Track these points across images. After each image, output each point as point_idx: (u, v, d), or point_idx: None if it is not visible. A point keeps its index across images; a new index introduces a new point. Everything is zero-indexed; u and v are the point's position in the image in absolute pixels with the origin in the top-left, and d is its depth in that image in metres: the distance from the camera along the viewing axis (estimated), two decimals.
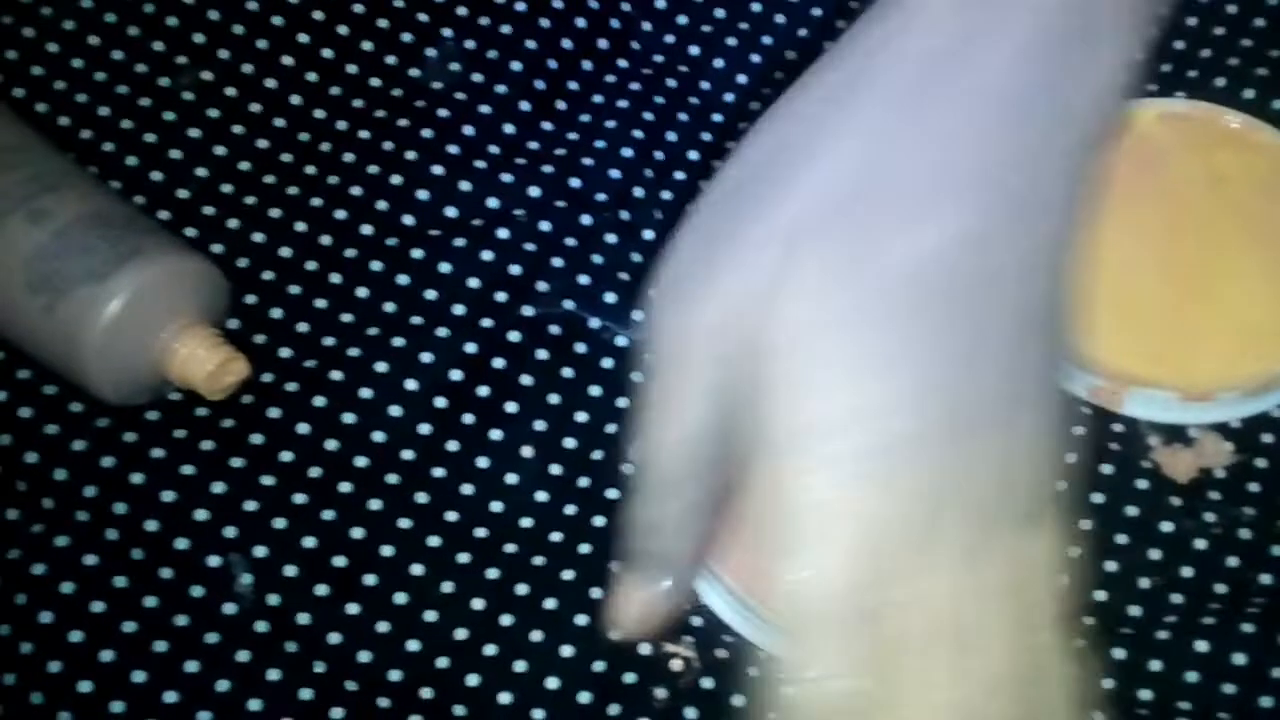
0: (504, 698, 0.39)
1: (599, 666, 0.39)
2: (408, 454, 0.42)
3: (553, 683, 0.39)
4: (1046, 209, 0.31)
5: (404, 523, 0.41)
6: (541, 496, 0.41)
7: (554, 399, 0.43)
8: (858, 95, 0.30)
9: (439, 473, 0.42)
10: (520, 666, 0.39)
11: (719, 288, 0.30)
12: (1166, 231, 0.45)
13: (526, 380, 0.43)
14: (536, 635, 0.39)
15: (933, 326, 0.29)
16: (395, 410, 0.42)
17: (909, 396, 0.29)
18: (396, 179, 0.46)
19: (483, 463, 0.42)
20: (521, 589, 0.40)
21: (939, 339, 0.29)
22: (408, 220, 0.45)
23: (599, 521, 0.41)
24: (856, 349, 0.29)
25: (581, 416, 0.43)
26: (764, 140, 0.31)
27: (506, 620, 0.40)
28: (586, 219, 0.45)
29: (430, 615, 0.40)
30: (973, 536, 0.29)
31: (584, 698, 0.39)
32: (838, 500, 0.29)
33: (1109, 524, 0.41)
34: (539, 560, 0.40)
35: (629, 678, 0.39)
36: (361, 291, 0.44)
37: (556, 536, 0.41)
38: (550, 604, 0.39)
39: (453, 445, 0.42)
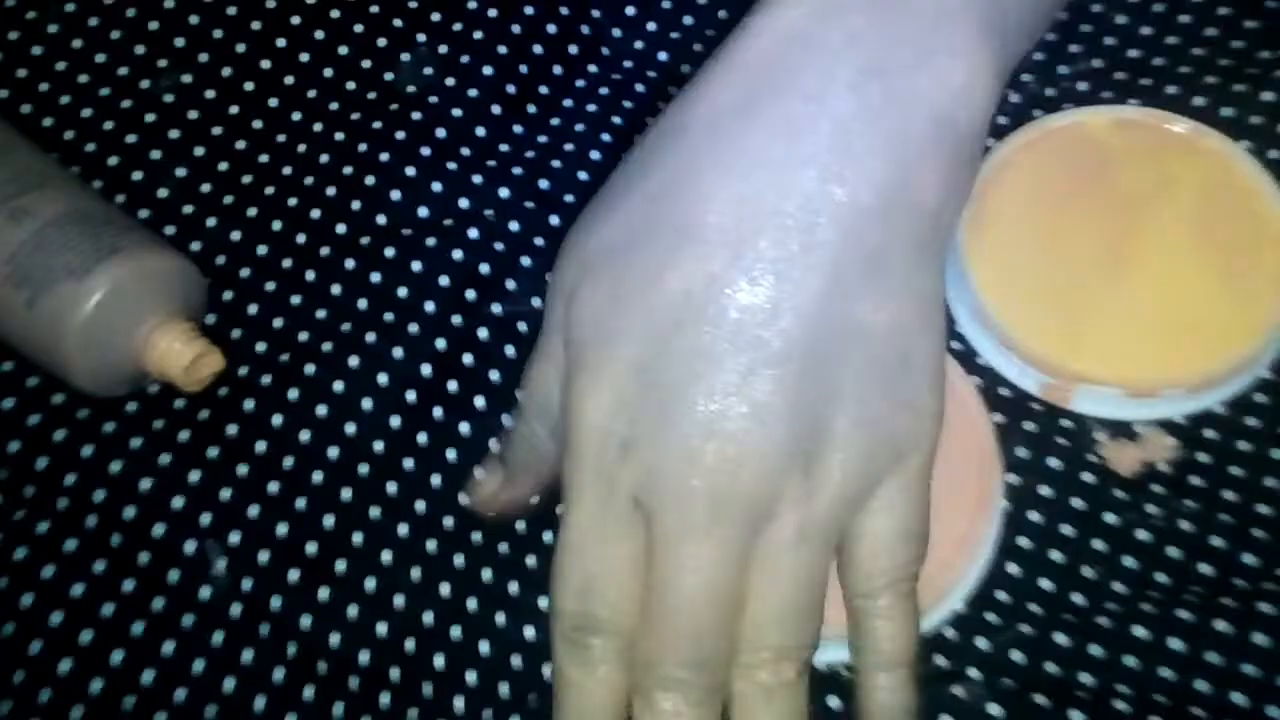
0: (470, 677, 0.40)
1: None
2: (378, 445, 0.44)
3: (516, 661, 0.40)
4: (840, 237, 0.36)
5: (374, 512, 0.43)
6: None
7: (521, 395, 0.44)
8: (659, 150, 0.38)
9: (409, 464, 0.43)
10: (485, 648, 0.41)
11: (555, 290, 0.39)
12: (1116, 233, 0.46)
13: (495, 376, 0.45)
14: (500, 618, 0.41)
15: (672, 349, 0.36)
16: (367, 403, 0.44)
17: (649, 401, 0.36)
18: (370, 180, 0.47)
19: (451, 455, 0.44)
20: (486, 575, 0.41)
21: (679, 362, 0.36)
22: (381, 220, 0.47)
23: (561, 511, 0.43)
24: (610, 361, 0.36)
25: None
26: (614, 177, 0.39)
27: (472, 604, 0.41)
28: (555, 219, 0.47)
29: (399, 600, 0.41)
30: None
31: (547, 672, 0.40)
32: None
33: (1056, 515, 0.43)
34: (504, 548, 0.42)
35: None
36: (335, 289, 0.46)
37: (520, 526, 0.42)
38: (514, 589, 0.41)
39: (422, 438, 0.44)
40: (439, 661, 0.41)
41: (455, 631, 0.41)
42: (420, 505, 0.43)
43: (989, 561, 0.42)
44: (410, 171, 0.47)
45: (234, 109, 0.49)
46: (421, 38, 0.50)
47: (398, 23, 0.50)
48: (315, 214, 0.47)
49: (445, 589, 0.41)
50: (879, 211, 0.36)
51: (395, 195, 0.47)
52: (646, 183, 0.37)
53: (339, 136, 0.48)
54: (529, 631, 0.41)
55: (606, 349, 0.36)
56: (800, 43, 0.36)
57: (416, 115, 0.48)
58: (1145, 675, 0.40)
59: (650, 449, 0.35)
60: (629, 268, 0.36)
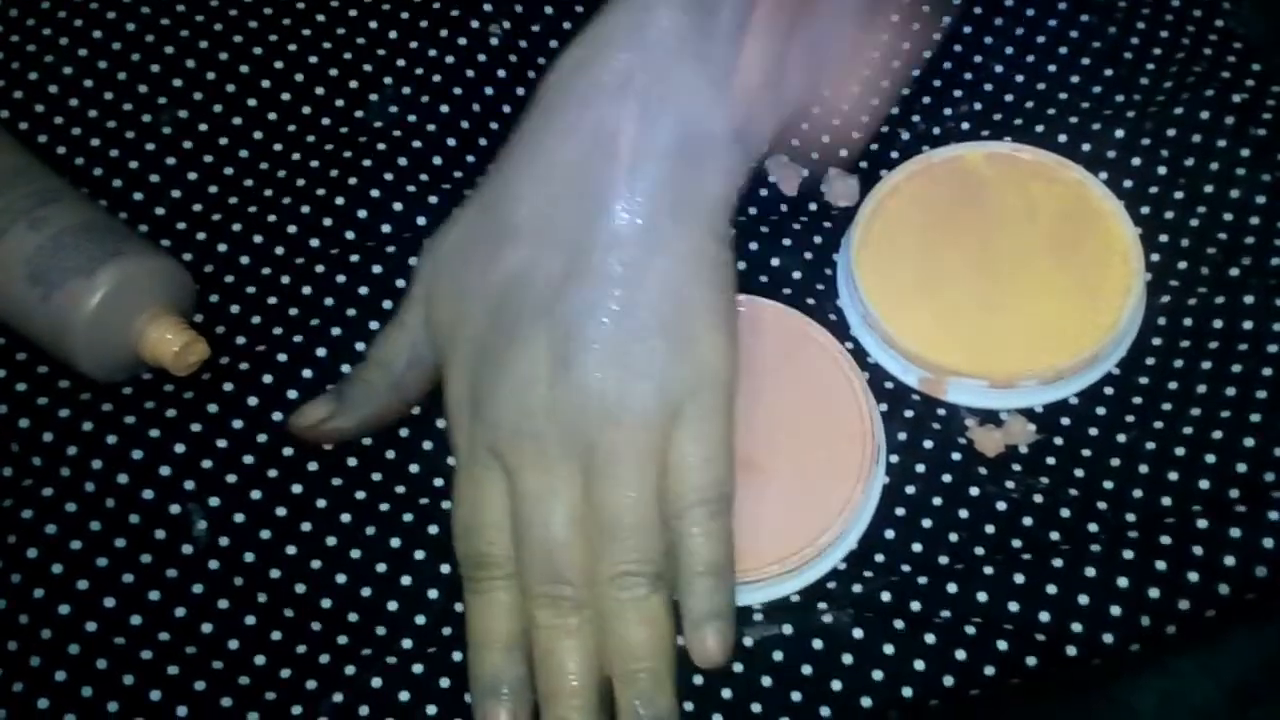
0: (419, 619, 0.46)
1: None
2: None
3: (459, 605, 0.45)
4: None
5: (336, 480, 0.48)
6: (453, 460, 0.49)
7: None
8: (493, 168, 0.47)
9: (366, 440, 0.49)
10: (433, 594, 0.46)
11: (418, 279, 0.47)
12: (986, 250, 0.52)
13: None
14: (444, 567, 0.46)
15: (499, 322, 0.44)
16: (331, 387, 0.50)
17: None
18: (340, 200, 0.53)
19: (403, 432, 0.49)
20: (432, 529, 0.47)
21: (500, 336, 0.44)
22: (349, 235, 0.52)
23: None
24: (459, 341, 0.44)
25: None
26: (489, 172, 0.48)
27: (420, 554, 0.47)
28: None
29: (355, 553, 0.47)
30: None
31: None
32: None
33: (927, 489, 0.48)
34: (445, 505, 0.47)
35: None
36: (306, 290, 0.51)
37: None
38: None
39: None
40: (391, 606, 0.46)
41: (405, 579, 0.46)
42: (376, 475, 0.48)
43: (867, 525, 0.48)
44: (375, 193, 0.53)
45: (223, 140, 0.54)
46: (388, 80, 0.55)
47: (367, 68, 0.56)
48: (292, 229, 0.52)
49: (396, 542, 0.47)
50: (655, 192, 0.43)
51: (362, 214, 0.53)
52: (481, 195, 0.46)
53: (314, 164, 0.54)
54: None
55: (457, 331, 0.44)
56: (579, 70, 0.45)
57: (381, 146, 0.54)
58: (994, 607, 0.45)
59: (489, 406, 0.42)
60: (468, 263, 0.45)
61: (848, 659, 0.45)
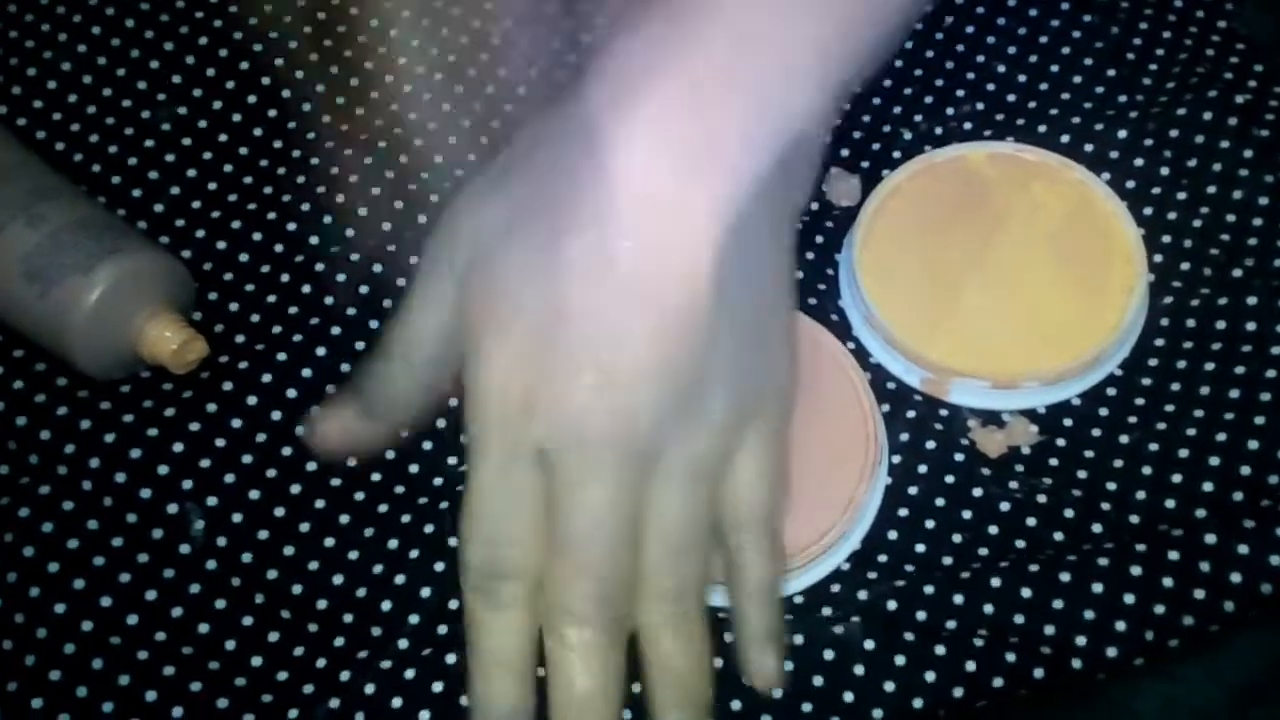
0: (413, 619, 0.45)
1: None
2: None
3: (454, 604, 0.45)
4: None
5: (335, 481, 0.48)
6: (452, 460, 0.48)
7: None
8: (542, 143, 0.41)
9: (330, 390, 0.48)
10: (425, 592, 0.46)
11: (441, 262, 0.41)
12: (989, 250, 0.52)
13: None
14: (439, 565, 0.46)
15: (567, 311, 0.39)
16: (331, 388, 0.49)
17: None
18: (340, 198, 0.52)
19: (402, 432, 0.49)
20: (428, 529, 0.47)
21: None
22: (349, 232, 0.52)
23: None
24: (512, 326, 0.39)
25: None
26: (491, 168, 0.42)
27: (414, 553, 0.46)
28: None
29: (352, 554, 0.47)
30: None
31: None
32: None
33: (931, 490, 0.48)
34: (443, 505, 0.47)
35: None
36: (305, 288, 0.51)
37: (461, 488, 0.47)
38: (452, 541, 0.46)
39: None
40: (386, 606, 0.46)
41: (400, 579, 0.46)
42: (374, 475, 0.48)
43: (871, 525, 0.48)
44: (375, 191, 0.53)
45: (223, 137, 0.54)
46: (388, 79, 0.55)
47: (368, 65, 0.55)
48: (291, 227, 0.52)
49: (393, 543, 0.47)
50: (736, 202, 0.39)
51: (362, 211, 0.52)
52: (531, 169, 0.40)
53: (314, 160, 0.53)
54: None
55: (506, 319, 0.39)
56: (657, 54, 0.40)
57: (382, 144, 0.53)
58: (1001, 619, 0.45)
59: (551, 404, 0.38)
60: (523, 242, 0.39)
61: (859, 670, 0.44)
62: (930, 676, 0.44)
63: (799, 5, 0.40)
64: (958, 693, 0.44)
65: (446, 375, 0.42)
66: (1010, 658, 0.45)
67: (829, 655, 0.45)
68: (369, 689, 0.44)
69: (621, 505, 0.39)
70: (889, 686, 0.44)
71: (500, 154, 0.42)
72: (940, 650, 0.45)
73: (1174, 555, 0.46)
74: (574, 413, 0.39)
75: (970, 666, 0.44)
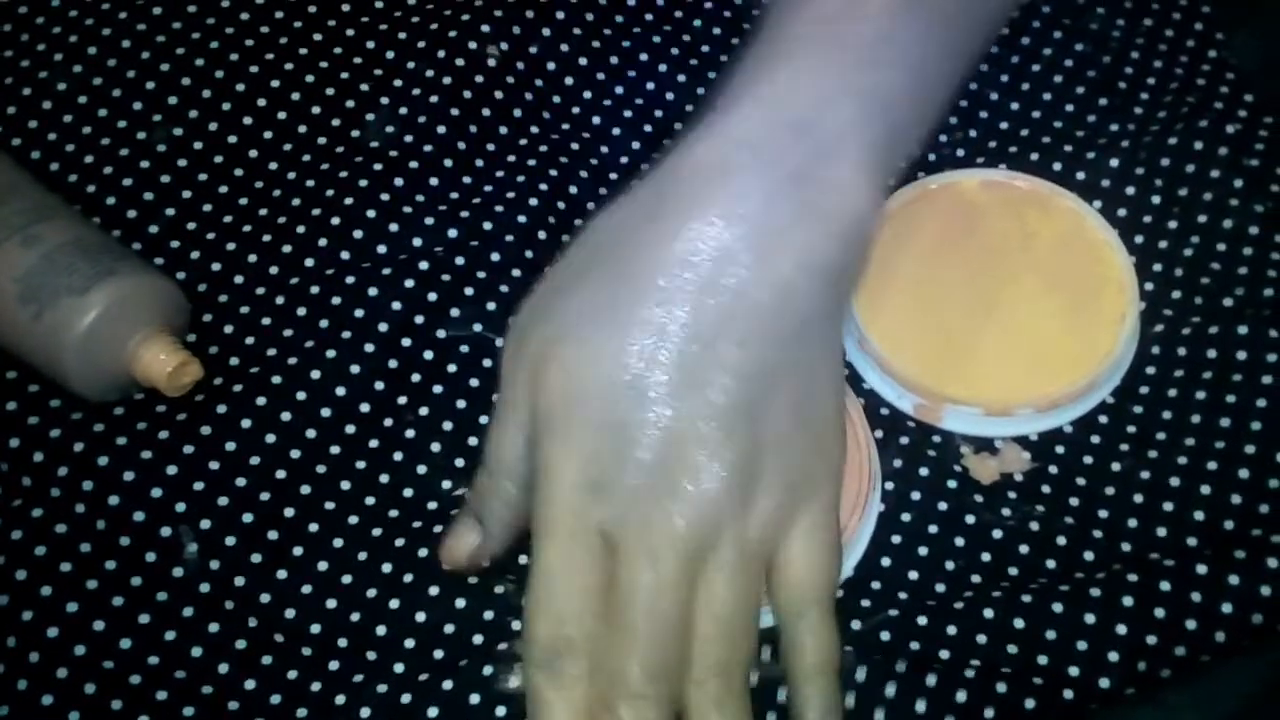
0: (409, 643, 0.45)
1: (488, 615, 0.46)
2: (335, 449, 0.49)
3: (449, 628, 0.45)
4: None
5: (329, 504, 0.48)
6: (446, 484, 0.49)
7: (461, 404, 0.50)
8: (606, 245, 0.43)
9: (360, 465, 0.49)
10: (421, 616, 0.46)
11: (516, 364, 0.42)
12: (981, 277, 0.52)
13: (438, 390, 0.50)
14: (434, 589, 0.46)
15: (633, 407, 0.41)
16: (325, 411, 0.49)
17: None
18: (336, 220, 0.53)
19: (398, 457, 0.49)
20: (422, 552, 0.47)
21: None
22: (344, 255, 0.52)
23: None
24: (581, 420, 0.41)
25: (484, 419, 0.50)
26: (559, 269, 0.44)
27: (408, 578, 0.46)
28: (495, 256, 0.53)
29: (346, 578, 0.46)
30: None
31: (477, 639, 0.45)
32: None
33: (924, 516, 0.48)
34: (437, 529, 0.47)
35: (516, 625, 0.46)
36: (301, 311, 0.51)
37: (455, 512, 0.47)
38: (445, 566, 0.46)
39: (374, 443, 0.49)
40: (381, 630, 0.46)
41: (394, 603, 0.46)
42: (369, 499, 0.48)
43: (864, 554, 0.48)
44: (371, 214, 0.53)
45: (218, 158, 0.54)
46: (385, 100, 0.55)
47: (364, 87, 0.56)
48: (286, 249, 0.52)
49: (387, 567, 0.47)
50: (800, 287, 0.41)
51: (358, 234, 0.53)
52: (600, 272, 0.42)
53: (310, 183, 0.54)
54: (460, 601, 0.46)
55: (576, 410, 0.40)
56: (733, 152, 0.42)
57: (378, 166, 0.54)
58: (993, 650, 0.46)
59: (618, 495, 0.40)
60: (590, 342, 0.41)
61: (850, 700, 0.44)
62: (921, 706, 0.44)
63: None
64: None
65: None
66: (1001, 688, 0.45)
67: None
68: (364, 713, 0.44)
69: (677, 589, 0.40)
70: (879, 716, 0.44)
71: (561, 256, 0.44)
72: (931, 680, 0.45)
73: (1166, 585, 0.46)
74: (640, 505, 0.40)
75: (961, 697, 0.45)
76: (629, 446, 0.40)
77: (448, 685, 0.44)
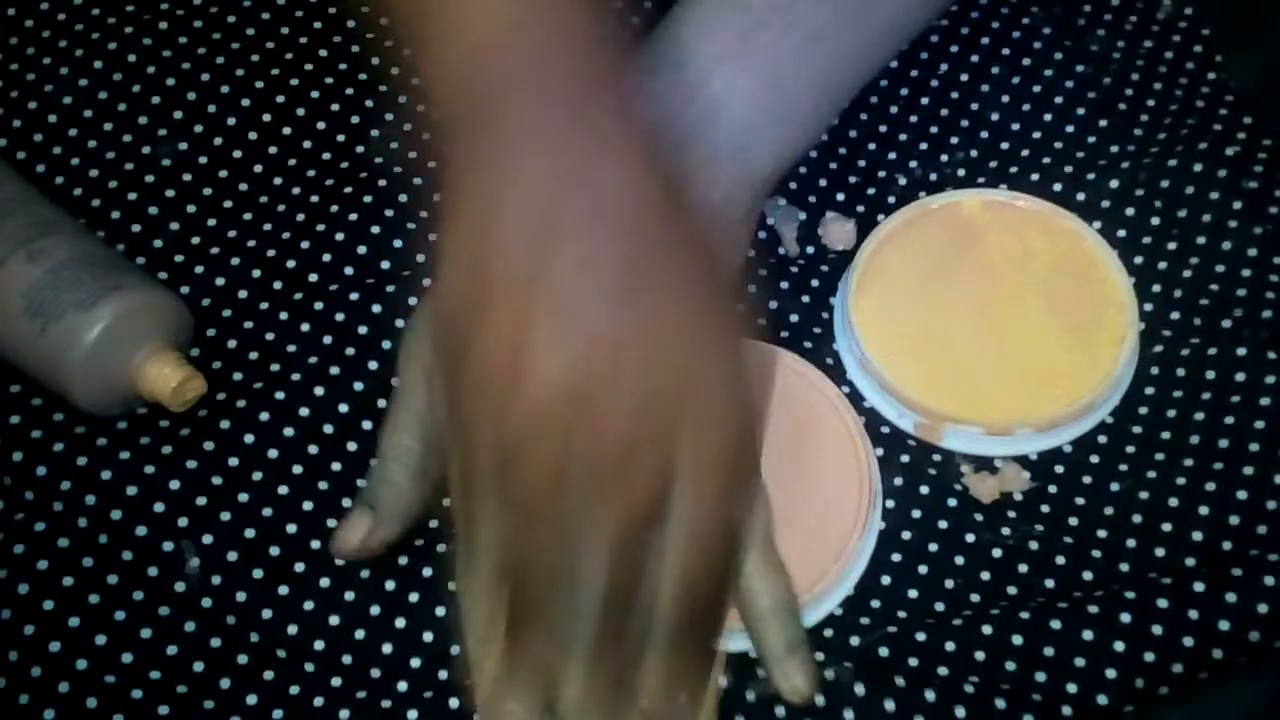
0: (414, 662, 0.45)
1: None
2: (336, 465, 0.49)
3: (455, 649, 0.45)
4: None
5: (331, 521, 0.48)
6: (448, 501, 0.49)
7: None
8: None
9: (362, 482, 0.47)
10: (427, 636, 0.46)
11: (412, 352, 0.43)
12: (982, 297, 0.53)
13: None
14: (440, 610, 0.46)
15: None
16: (328, 428, 0.49)
17: None
18: (340, 236, 0.53)
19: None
20: (426, 571, 0.47)
21: None
22: (348, 270, 0.53)
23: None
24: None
25: None
26: None
27: (414, 597, 0.46)
28: None
29: (349, 595, 0.46)
30: None
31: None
32: None
33: (923, 535, 0.49)
34: (440, 548, 0.47)
35: None
36: (304, 326, 0.51)
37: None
38: (451, 585, 0.45)
39: (374, 461, 0.48)
40: (385, 648, 0.46)
41: (400, 621, 0.46)
42: None
43: (864, 571, 0.48)
44: (375, 229, 0.53)
45: (223, 173, 0.55)
46: (389, 117, 0.56)
47: (369, 103, 0.56)
48: (290, 264, 0.53)
49: (390, 584, 0.47)
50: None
51: (361, 249, 0.53)
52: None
53: (314, 199, 0.54)
54: None
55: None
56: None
57: (382, 182, 0.54)
58: (991, 666, 0.46)
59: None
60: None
61: (849, 715, 0.44)
62: None
63: None
64: None
65: (443, 462, 0.42)
66: (1000, 704, 0.45)
67: (819, 700, 0.45)
68: None
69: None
70: None
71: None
72: (930, 696, 0.45)
73: (1163, 603, 0.46)
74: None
75: (960, 713, 0.45)
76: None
77: (454, 704, 0.44)
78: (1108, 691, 0.45)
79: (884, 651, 0.46)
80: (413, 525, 0.44)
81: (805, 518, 0.47)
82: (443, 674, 0.45)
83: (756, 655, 0.42)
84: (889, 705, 0.45)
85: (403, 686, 0.45)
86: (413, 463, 0.43)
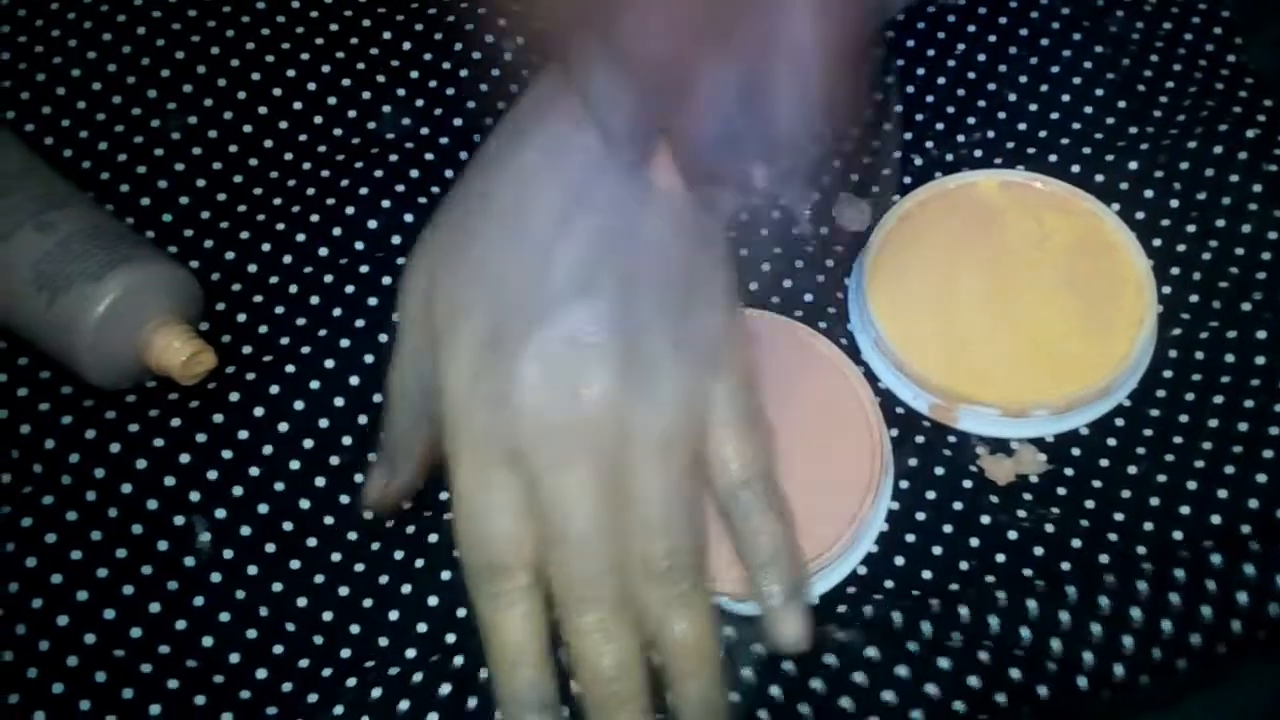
0: (421, 627, 0.45)
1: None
2: (347, 439, 0.49)
3: (461, 611, 0.45)
4: None
5: (343, 497, 0.47)
6: None
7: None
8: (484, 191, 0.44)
9: (373, 457, 0.48)
10: (433, 600, 0.46)
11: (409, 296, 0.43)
12: (998, 278, 0.52)
13: None
14: (446, 574, 0.46)
15: (508, 312, 0.41)
16: (339, 401, 0.49)
17: None
18: (350, 210, 0.53)
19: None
20: (433, 538, 0.46)
21: None
22: (359, 245, 0.52)
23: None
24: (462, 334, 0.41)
25: None
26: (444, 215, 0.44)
27: (419, 563, 0.46)
28: None
29: (359, 567, 0.46)
30: None
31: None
32: None
33: (939, 516, 0.48)
34: (447, 516, 0.44)
35: None
36: (314, 299, 0.51)
37: None
38: (457, 552, 0.45)
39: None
40: (392, 615, 0.45)
41: (406, 588, 0.46)
42: None
43: (877, 549, 0.48)
44: (386, 204, 0.53)
45: (233, 147, 0.54)
46: (401, 92, 0.56)
47: (380, 78, 0.56)
48: (300, 237, 0.52)
49: (399, 554, 0.46)
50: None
51: (372, 224, 0.52)
52: (485, 205, 0.43)
53: (325, 173, 0.54)
54: None
55: (458, 323, 0.41)
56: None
57: (393, 158, 0.54)
58: (1006, 634, 0.45)
59: (508, 402, 0.39)
60: (469, 257, 0.42)
61: (859, 677, 0.44)
62: (932, 689, 0.44)
63: None
64: (959, 706, 0.44)
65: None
66: (1015, 674, 0.45)
67: (830, 660, 0.45)
68: (375, 693, 0.44)
69: (594, 488, 0.39)
70: (888, 696, 0.44)
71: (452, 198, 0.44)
72: (944, 663, 0.44)
73: (1181, 575, 0.46)
74: (530, 409, 0.39)
75: (974, 681, 0.44)
76: (515, 362, 0.40)
77: (459, 662, 0.44)
78: (1124, 662, 0.45)
79: (897, 618, 0.46)
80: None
81: (817, 489, 0.47)
82: (450, 638, 0.45)
83: (754, 599, 0.42)
84: (901, 671, 0.44)
85: (410, 653, 0.45)
86: (413, 402, 0.43)
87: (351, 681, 0.44)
